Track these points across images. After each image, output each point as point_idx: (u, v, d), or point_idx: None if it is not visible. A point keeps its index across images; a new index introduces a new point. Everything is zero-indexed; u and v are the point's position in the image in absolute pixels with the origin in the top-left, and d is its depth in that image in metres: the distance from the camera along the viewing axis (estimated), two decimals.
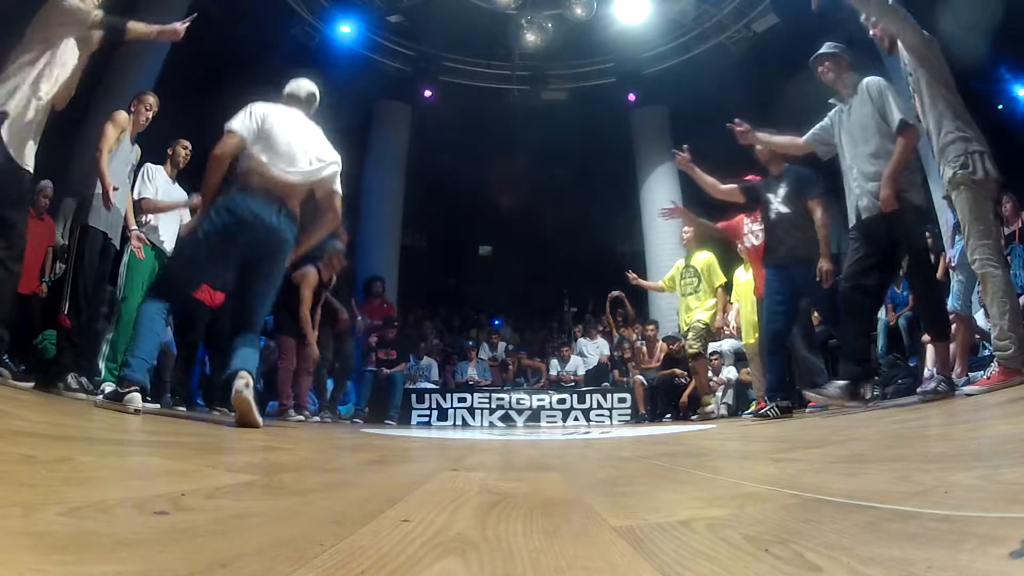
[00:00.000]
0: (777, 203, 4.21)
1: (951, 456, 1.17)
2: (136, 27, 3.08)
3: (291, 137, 3.01)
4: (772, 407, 3.86)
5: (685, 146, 4.33)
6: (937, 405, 2.84)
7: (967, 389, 2.94)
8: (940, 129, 3.00)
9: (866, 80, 3.39)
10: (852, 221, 3.45)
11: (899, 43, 3.23)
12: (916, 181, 3.31)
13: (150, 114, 3.97)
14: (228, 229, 2.82)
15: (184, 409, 4.41)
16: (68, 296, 3.62)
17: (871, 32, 3.47)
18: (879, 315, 6.31)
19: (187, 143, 4.41)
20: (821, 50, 3.61)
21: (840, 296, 3.42)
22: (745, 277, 5.45)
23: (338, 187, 3.17)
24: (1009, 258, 4.72)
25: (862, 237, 3.34)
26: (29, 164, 2.90)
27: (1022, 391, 2.71)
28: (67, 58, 2.95)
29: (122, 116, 3.77)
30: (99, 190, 3.61)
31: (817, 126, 3.70)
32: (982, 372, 3.97)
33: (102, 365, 3.84)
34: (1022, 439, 1.29)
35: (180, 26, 3.22)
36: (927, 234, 4.38)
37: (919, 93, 3.13)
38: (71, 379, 3.46)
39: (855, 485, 0.93)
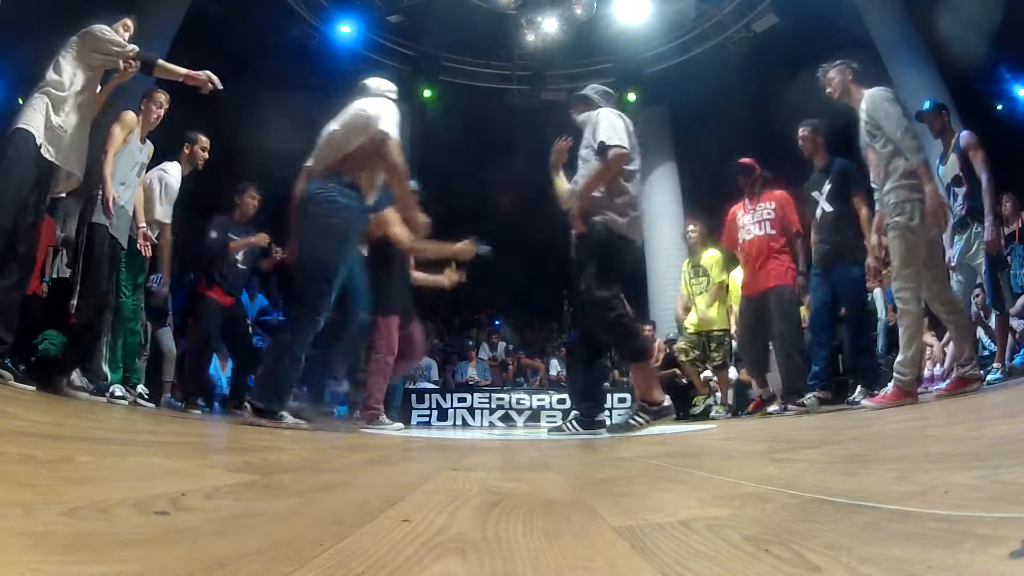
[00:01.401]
0: (823, 200, 4.16)
1: (951, 456, 1.17)
2: (165, 66, 3.34)
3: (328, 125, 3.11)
4: (812, 396, 3.86)
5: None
6: (937, 405, 2.85)
7: (864, 403, 3.24)
8: (889, 177, 3.19)
9: (588, 113, 3.42)
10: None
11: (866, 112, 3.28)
12: (620, 206, 3.20)
13: (161, 112, 3.96)
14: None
15: (201, 412, 4.39)
16: (77, 295, 3.60)
17: (826, 89, 3.53)
18: (879, 315, 6.30)
19: (206, 143, 4.43)
20: (585, 91, 3.65)
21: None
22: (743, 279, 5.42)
23: (384, 129, 3.01)
24: (1009, 258, 4.73)
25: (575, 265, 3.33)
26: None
27: (1022, 391, 2.72)
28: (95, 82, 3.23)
29: (129, 116, 3.76)
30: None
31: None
32: (996, 365, 4.06)
33: (106, 368, 3.83)
34: (1022, 439, 1.29)
35: (213, 77, 3.38)
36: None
37: (874, 148, 3.25)
38: (75, 377, 3.45)
39: (855, 485, 0.93)
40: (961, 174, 4.10)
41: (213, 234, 4.49)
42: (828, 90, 3.54)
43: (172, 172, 4.29)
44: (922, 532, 0.56)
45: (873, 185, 3.41)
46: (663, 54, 9.89)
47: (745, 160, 4.64)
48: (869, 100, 3.28)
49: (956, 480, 0.81)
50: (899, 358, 3.11)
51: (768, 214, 4.55)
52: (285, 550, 0.55)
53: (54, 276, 4.77)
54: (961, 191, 4.14)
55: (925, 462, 1.09)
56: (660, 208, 9.94)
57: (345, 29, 9.13)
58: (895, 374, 3.11)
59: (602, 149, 3.15)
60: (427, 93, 10.12)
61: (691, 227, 5.88)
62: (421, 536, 0.62)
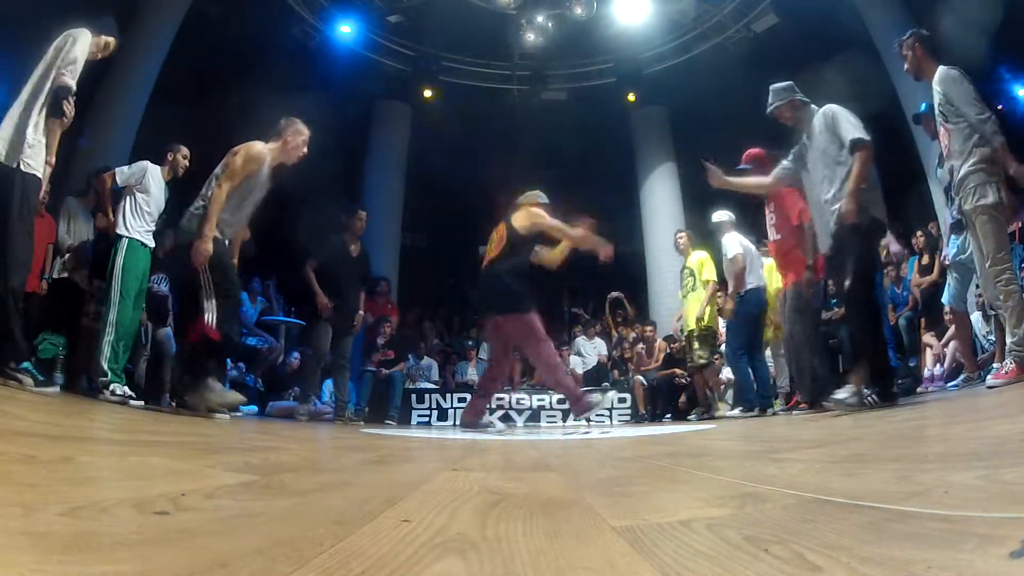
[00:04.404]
0: None
1: (951, 456, 1.17)
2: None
3: None
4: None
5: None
6: (937, 405, 2.85)
7: (989, 381, 3.22)
8: (966, 160, 3.24)
9: (820, 110, 3.53)
10: (824, 247, 3.60)
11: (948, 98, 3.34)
12: (877, 199, 3.39)
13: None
14: None
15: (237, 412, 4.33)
16: (213, 312, 3.56)
17: (904, 53, 3.57)
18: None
19: (187, 152, 4.42)
20: (772, 102, 3.71)
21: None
22: None
23: None
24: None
25: (834, 259, 3.48)
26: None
27: (1022, 391, 2.73)
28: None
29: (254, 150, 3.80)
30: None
31: (780, 166, 3.81)
32: (996, 366, 4.11)
33: (105, 366, 3.83)
34: (1022, 439, 1.29)
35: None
36: (883, 253, 4.49)
37: (947, 128, 3.35)
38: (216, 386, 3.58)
39: (855, 485, 0.93)
40: None
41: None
42: (906, 67, 3.59)
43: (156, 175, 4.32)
44: (922, 532, 0.56)
45: (949, 164, 3.44)
46: (663, 54, 9.88)
47: (751, 153, 4.49)
48: (943, 79, 3.33)
49: (956, 480, 0.81)
50: (1014, 339, 3.16)
51: (771, 219, 4.45)
52: (285, 550, 0.54)
53: (54, 276, 4.75)
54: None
55: (925, 462, 1.09)
56: (660, 208, 9.95)
57: (345, 29, 9.12)
58: (1013, 352, 3.15)
59: (856, 145, 3.28)
60: (427, 93, 10.12)
61: (679, 233, 6.17)
62: (421, 536, 0.62)
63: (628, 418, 7.35)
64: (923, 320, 5.68)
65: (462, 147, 10.68)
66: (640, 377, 7.32)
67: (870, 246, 3.42)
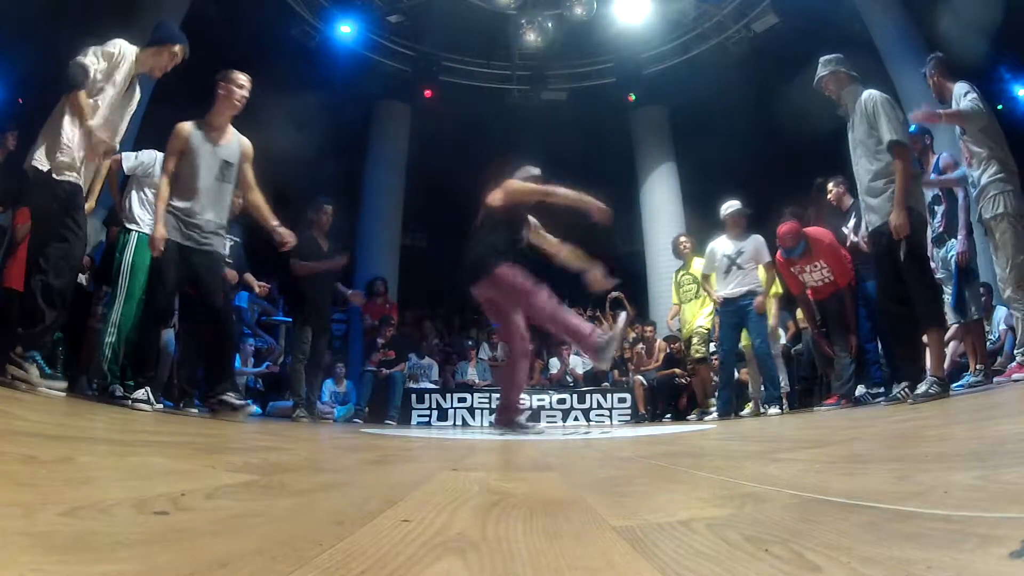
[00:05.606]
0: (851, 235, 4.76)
1: (951, 456, 1.17)
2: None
3: None
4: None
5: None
6: (936, 405, 2.86)
7: (1016, 376, 3.47)
8: (985, 171, 3.46)
9: (863, 96, 3.52)
10: (863, 232, 3.86)
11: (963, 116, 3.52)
12: (917, 190, 3.52)
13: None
14: None
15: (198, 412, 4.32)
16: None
17: (928, 81, 3.78)
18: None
19: None
20: (819, 74, 3.74)
21: (879, 311, 3.82)
22: None
23: None
24: None
25: (875, 251, 3.62)
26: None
27: (1022, 391, 2.73)
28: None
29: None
30: None
31: None
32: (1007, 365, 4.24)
33: (106, 368, 3.82)
34: (1022, 439, 1.29)
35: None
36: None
37: (966, 143, 3.57)
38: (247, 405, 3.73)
39: (855, 485, 0.93)
40: (940, 193, 4.26)
41: None
42: (933, 94, 3.78)
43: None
44: (922, 532, 0.56)
45: (970, 173, 3.65)
46: (663, 54, 9.88)
47: (789, 232, 4.73)
48: (956, 97, 3.51)
49: (956, 480, 0.81)
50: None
51: (825, 272, 4.74)
52: (285, 550, 0.54)
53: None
54: (940, 209, 4.27)
55: (925, 462, 1.09)
56: (660, 208, 9.95)
57: (345, 29, 9.12)
58: (1020, 350, 3.42)
59: (894, 148, 3.30)
60: (427, 93, 10.11)
61: (683, 239, 6.25)
62: (421, 536, 0.62)
63: (628, 418, 7.35)
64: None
65: (462, 147, 10.68)
66: (640, 377, 7.32)
67: (922, 245, 3.57)
